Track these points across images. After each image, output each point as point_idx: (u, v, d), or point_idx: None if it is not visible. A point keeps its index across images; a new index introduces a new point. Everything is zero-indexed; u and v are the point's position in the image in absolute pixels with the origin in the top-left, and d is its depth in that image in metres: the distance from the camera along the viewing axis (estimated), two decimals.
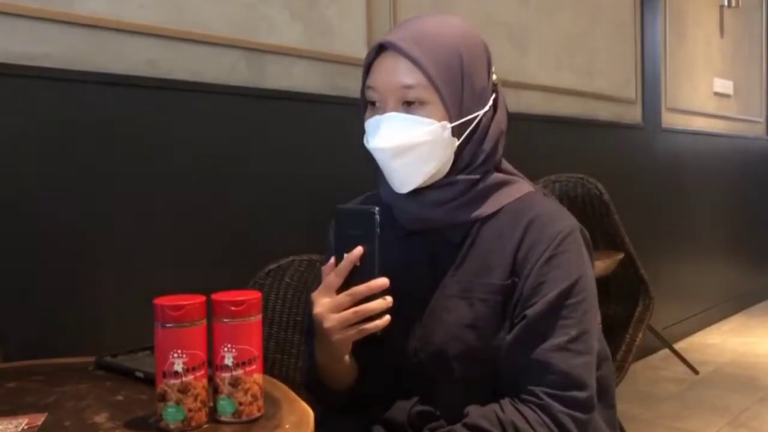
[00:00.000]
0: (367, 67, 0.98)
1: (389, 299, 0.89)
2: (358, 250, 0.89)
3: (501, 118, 1.01)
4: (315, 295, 0.92)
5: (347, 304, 0.88)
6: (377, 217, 0.89)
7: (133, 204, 1.57)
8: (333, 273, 0.90)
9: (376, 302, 0.88)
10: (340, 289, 0.89)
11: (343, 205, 0.94)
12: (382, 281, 0.88)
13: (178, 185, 1.65)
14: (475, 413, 0.93)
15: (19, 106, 1.41)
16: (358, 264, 0.89)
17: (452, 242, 0.99)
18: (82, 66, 1.50)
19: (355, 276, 0.89)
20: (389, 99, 0.95)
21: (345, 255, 0.89)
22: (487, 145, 0.98)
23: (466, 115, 0.96)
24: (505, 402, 0.92)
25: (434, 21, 0.97)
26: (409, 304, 0.97)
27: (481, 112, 0.97)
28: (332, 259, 0.91)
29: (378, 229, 0.89)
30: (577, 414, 0.90)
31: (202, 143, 1.70)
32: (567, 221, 0.98)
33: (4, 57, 1.39)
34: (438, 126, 0.94)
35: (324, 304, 0.90)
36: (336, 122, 1.95)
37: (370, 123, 0.97)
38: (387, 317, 0.89)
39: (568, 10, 2.96)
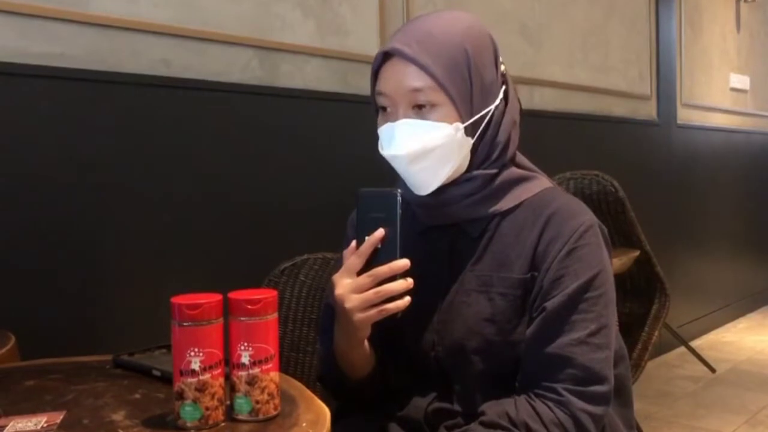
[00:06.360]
0: (375, 73, 0.98)
1: (410, 280, 0.89)
2: (380, 232, 0.89)
3: (512, 109, 1.01)
4: (336, 276, 0.92)
5: (368, 284, 0.88)
6: (399, 198, 0.89)
7: (148, 203, 1.57)
8: (354, 255, 0.90)
9: (397, 283, 0.88)
10: (362, 271, 0.89)
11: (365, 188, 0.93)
12: (404, 262, 0.88)
13: (192, 184, 1.65)
14: (490, 411, 0.92)
15: (34, 106, 1.42)
16: (380, 246, 0.89)
17: (471, 237, 0.99)
18: (97, 65, 1.51)
19: (377, 258, 0.89)
20: (399, 104, 0.94)
21: (366, 237, 0.89)
22: (501, 138, 0.98)
23: (478, 112, 0.96)
24: (521, 400, 0.91)
25: (437, 19, 0.97)
26: (428, 298, 0.97)
27: (492, 107, 0.97)
28: (353, 242, 0.91)
29: (400, 211, 0.89)
30: (596, 410, 0.89)
31: (215, 142, 1.70)
32: (586, 216, 0.97)
33: (20, 57, 1.40)
34: (451, 128, 0.94)
35: (345, 285, 0.90)
36: (349, 120, 1.95)
37: (384, 131, 0.97)
38: (407, 298, 0.89)
39: (581, 6, 2.94)
